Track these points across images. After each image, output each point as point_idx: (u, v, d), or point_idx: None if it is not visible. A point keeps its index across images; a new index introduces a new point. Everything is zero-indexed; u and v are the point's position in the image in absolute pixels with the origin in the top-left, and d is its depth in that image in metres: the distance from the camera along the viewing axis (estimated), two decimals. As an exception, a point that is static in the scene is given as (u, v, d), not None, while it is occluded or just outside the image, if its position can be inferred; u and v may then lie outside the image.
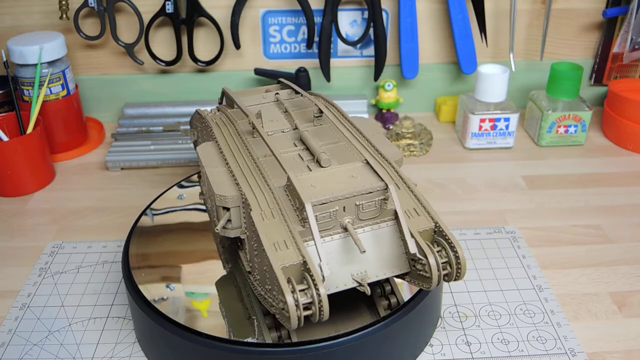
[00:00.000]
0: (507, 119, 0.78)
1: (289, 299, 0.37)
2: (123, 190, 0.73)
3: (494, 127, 0.79)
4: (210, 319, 0.47)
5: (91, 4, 0.79)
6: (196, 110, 0.60)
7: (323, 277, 0.39)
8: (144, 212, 0.60)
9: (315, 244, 0.40)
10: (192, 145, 0.78)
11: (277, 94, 0.59)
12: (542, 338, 0.51)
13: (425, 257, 0.41)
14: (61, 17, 0.80)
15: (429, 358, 0.50)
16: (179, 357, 0.47)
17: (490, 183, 0.73)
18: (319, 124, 0.54)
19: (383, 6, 0.83)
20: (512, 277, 0.58)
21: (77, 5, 0.79)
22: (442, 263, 0.42)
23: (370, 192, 0.43)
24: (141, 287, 0.50)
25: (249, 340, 0.45)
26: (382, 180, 0.43)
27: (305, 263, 0.39)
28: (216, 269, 0.52)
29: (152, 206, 0.61)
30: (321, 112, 0.53)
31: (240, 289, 0.50)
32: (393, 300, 0.48)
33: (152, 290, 0.50)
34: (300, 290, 0.38)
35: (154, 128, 0.82)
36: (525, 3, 0.84)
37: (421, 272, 0.42)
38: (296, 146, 0.50)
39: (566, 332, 0.52)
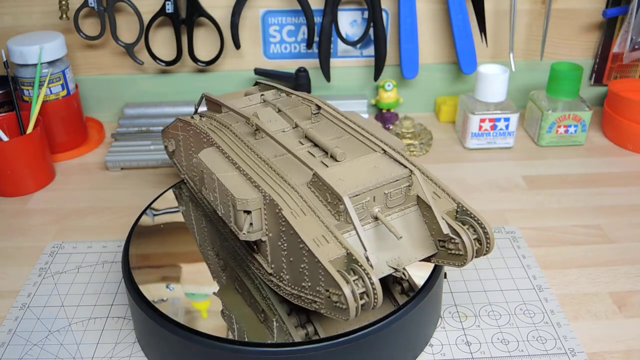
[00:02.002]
0: (507, 119, 0.78)
1: (347, 291, 0.38)
2: (123, 190, 0.73)
3: (494, 127, 0.79)
4: (210, 319, 0.47)
5: (91, 4, 0.79)
6: (177, 119, 0.59)
7: (371, 265, 0.40)
8: (144, 212, 0.59)
9: (359, 235, 0.41)
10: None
11: (262, 95, 0.59)
12: (542, 338, 0.51)
13: (459, 236, 0.43)
14: (61, 17, 0.80)
15: (429, 358, 0.50)
16: (179, 357, 0.47)
17: (490, 183, 0.73)
18: (317, 120, 0.54)
19: (383, 6, 0.83)
20: (512, 277, 0.58)
21: (77, 5, 0.79)
22: (473, 240, 0.44)
23: (397, 180, 0.44)
24: (141, 287, 0.50)
25: (270, 341, 0.45)
26: (406, 167, 0.45)
27: (350, 254, 0.40)
28: (216, 269, 0.52)
29: (152, 206, 0.61)
30: (319, 108, 0.54)
31: (249, 292, 0.49)
32: (405, 285, 0.48)
33: (152, 291, 0.50)
34: (353, 281, 0.39)
35: (154, 128, 0.82)
36: (525, 3, 0.84)
37: (453, 252, 0.44)
38: (302, 144, 0.50)
39: (566, 332, 0.52)
